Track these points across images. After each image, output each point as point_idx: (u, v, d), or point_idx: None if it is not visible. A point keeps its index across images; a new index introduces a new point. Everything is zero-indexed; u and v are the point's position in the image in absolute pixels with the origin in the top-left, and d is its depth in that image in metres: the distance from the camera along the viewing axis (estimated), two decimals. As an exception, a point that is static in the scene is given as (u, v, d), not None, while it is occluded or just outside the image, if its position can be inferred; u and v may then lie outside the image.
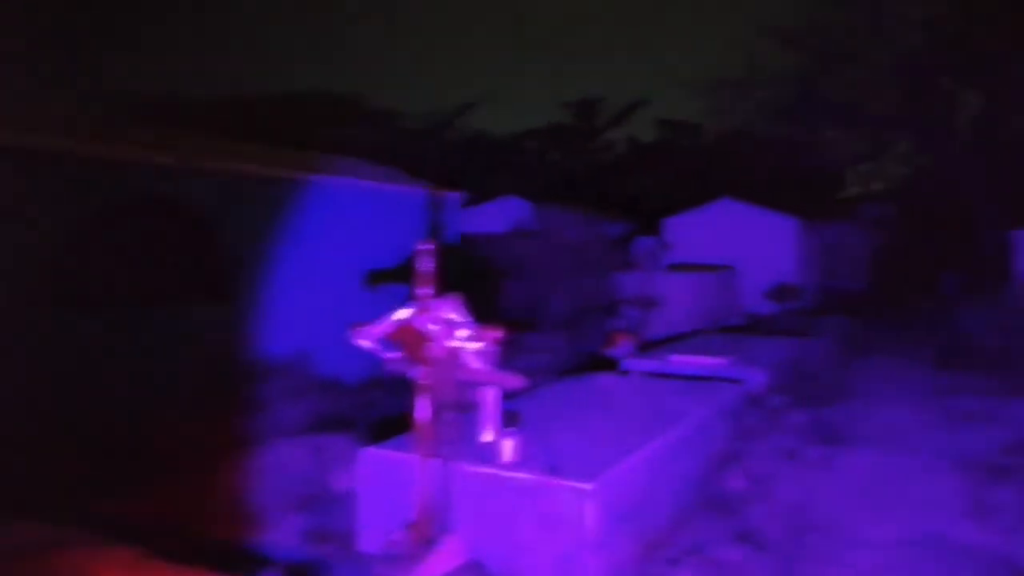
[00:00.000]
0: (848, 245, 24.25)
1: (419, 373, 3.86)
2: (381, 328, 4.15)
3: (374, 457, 4.43)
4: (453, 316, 3.97)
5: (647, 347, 10.64)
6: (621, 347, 11.87)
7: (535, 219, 13.56)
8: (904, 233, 27.21)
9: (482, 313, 4.22)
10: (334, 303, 9.57)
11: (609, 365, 8.44)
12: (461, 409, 4.08)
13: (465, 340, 3.94)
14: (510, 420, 4.19)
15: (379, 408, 7.27)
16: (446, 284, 4.11)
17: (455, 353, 3.93)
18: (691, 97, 33.68)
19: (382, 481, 4.26)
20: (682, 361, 7.98)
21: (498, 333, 3.94)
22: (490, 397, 4.11)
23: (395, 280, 9.47)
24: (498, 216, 16.80)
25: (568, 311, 10.44)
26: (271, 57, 49.01)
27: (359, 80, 52.35)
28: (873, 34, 21.10)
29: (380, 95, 44.74)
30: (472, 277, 14.02)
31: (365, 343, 4.23)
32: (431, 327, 3.94)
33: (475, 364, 3.99)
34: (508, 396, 4.74)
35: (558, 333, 9.36)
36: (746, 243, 18.31)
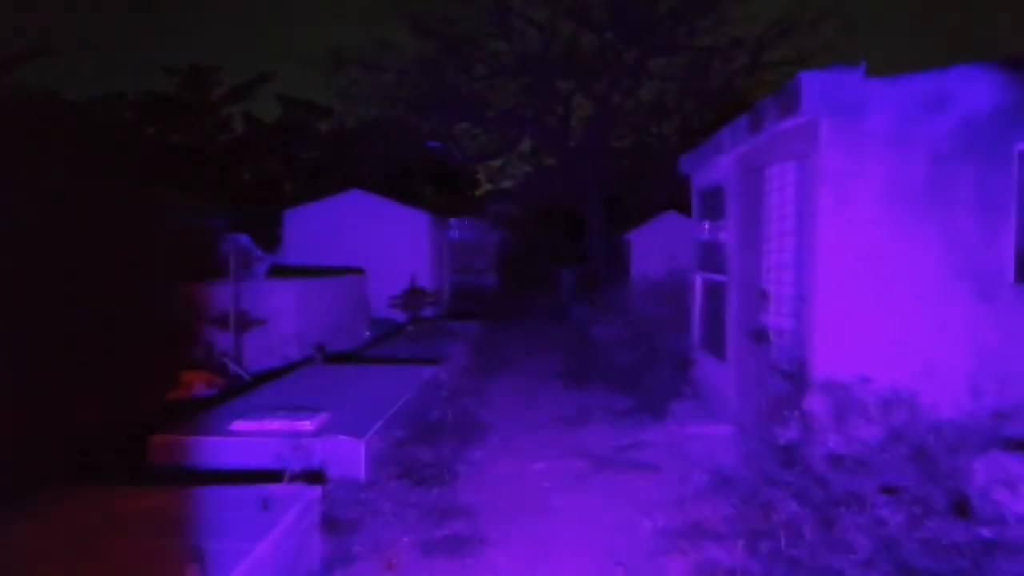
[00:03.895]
0: (480, 242, 24.15)
1: None
2: None
3: None
4: None
5: (227, 395, 7.76)
6: (195, 390, 8.74)
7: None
8: (527, 231, 28.43)
9: None
10: None
11: (132, 454, 5.30)
12: None
13: None
14: None
15: None
16: None
17: None
18: (319, 75, 30.99)
19: None
20: (248, 432, 5.30)
21: None
22: None
23: None
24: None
25: (96, 336, 6.93)
26: None
27: None
28: (498, 30, 20.86)
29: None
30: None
31: None
32: None
33: None
34: None
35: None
36: (377, 241, 16.40)
